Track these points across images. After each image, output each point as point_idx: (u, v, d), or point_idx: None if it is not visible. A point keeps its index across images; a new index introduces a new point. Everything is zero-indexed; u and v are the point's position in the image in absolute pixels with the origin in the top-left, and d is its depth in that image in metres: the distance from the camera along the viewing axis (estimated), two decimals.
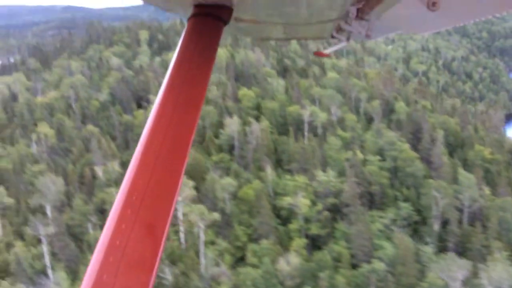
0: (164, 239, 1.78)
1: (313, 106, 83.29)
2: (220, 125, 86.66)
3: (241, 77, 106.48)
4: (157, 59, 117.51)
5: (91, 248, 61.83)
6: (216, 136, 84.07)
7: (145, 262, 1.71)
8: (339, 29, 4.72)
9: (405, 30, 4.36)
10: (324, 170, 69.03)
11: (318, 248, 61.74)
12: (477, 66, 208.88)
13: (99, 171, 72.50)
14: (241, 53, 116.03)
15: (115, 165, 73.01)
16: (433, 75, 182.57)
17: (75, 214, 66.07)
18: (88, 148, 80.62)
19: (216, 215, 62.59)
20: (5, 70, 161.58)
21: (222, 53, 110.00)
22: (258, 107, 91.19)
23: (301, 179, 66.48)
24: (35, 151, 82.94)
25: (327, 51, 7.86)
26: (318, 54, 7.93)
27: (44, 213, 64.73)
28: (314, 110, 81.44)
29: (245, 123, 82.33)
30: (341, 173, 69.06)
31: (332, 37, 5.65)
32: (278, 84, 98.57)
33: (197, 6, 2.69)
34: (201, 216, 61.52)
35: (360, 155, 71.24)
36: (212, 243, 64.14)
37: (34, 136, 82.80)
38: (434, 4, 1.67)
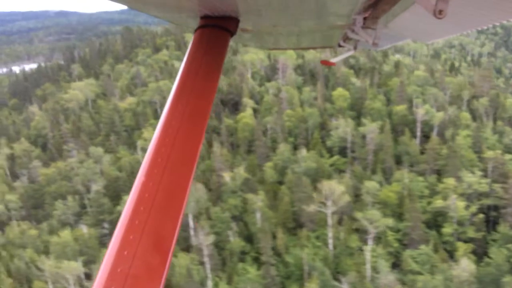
0: (172, 249, 1.78)
1: (426, 105, 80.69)
2: (323, 126, 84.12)
3: (316, 77, 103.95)
4: None
5: (233, 256, 59.08)
6: (322, 138, 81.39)
7: (153, 272, 1.71)
8: (346, 38, 4.58)
9: (412, 38, 4.19)
10: (457, 171, 66.66)
11: (483, 253, 59.40)
12: (505, 61, 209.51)
13: (226, 177, 69.33)
14: (310, 53, 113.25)
15: (241, 170, 69.93)
16: (464, 70, 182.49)
17: (215, 222, 62.85)
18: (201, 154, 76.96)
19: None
20: (44, 76, 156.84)
21: (290, 53, 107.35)
22: (355, 108, 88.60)
23: (449, 181, 63.95)
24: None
25: (334, 60, 7.66)
26: (324, 63, 8.21)
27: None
28: (428, 110, 78.99)
29: (359, 124, 79.78)
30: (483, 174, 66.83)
31: (339, 46, 5.57)
32: (364, 83, 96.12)
33: (204, 18, 2.76)
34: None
35: (494, 154, 68.98)
36: (361, 249, 61.47)
37: (140, 143, 78.75)
38: (440, 12, 1.65)
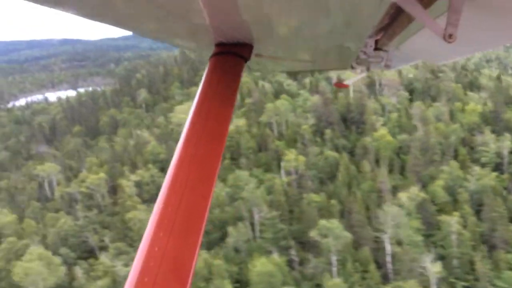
0: (191, 275, 1.80)
1: None
2: (466, 142, 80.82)
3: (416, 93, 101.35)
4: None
5: None
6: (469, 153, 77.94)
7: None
8: (359, 60, 4.61)
9: (423, 59, 4.45)
10: None
11: None
12: None
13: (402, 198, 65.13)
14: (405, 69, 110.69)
15: (415, 190, 65.86)
16: None
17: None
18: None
19: None
20: (102, 101, 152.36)
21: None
22: (489, 121, 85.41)
23: None
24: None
25: (347, 82, 7.93)
26: (338, 85, 7.54)
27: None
28: None
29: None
30: None
31: (352, 68, 5.45)
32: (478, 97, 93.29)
33: (218, 45, 2.79)
34: None
35: None
36: None
37: (285, 164, 74.30)
38: (450, 36, 1.67)
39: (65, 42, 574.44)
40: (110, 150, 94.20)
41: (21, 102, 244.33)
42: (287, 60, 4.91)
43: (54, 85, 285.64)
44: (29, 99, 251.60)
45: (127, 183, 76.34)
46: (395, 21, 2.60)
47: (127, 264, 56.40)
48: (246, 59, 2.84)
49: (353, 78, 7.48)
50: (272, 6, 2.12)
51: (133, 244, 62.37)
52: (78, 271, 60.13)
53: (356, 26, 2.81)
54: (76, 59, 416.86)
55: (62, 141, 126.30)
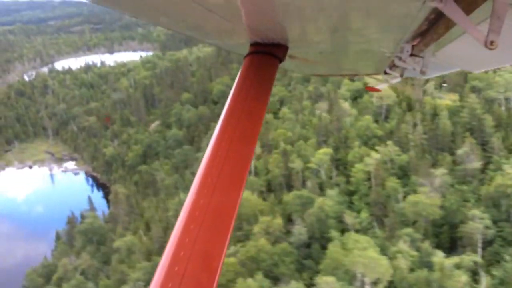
0: (220, 268, 1.83)
1: None
2: None
3: None
4: None
5: None
6: None
7: None
8: (393, 66, 4.58)
9: (461, 67, 4.20)
10: None
11: None
12: None
13: None
14: None
15: None
16: None
17: None
18: None
19: None
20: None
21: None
22: None
23: None
24: None
25: (379, 87, 7.50)
26: (370, 89, 7.65)
27: None
28: None
29: None
30: None
31: (385, 73, 5.43)
32: None
33: (254, 45, 2.85)
34: None
35: None
36: None
37: None
38: (492, 43, 1.64)
39: (64, 3, 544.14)
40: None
41: (63, 64, 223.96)
42: (320, 63, 4.73)
43: (89, 48, 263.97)
44: (68, 61, 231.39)
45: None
46: (433, 26, 2.49)
47: None
48: (280, 59, 2.87)
49: (386, 82, 6.79)
50: (308, 8, 2.13)
51: None
52: None
53: (393, 30, 2.76)
54: (91, 21, 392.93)
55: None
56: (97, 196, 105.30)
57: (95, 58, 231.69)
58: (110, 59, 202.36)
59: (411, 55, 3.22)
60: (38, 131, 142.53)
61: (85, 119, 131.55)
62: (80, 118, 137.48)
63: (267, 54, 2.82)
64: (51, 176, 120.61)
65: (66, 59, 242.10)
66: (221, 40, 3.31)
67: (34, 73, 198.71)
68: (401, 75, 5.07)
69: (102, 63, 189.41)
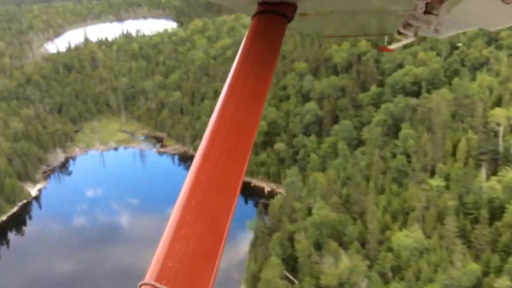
0: (226, 231, 1.83)
1: None
2: None
3: None
4: None
5: None
6: None
7: (208, 252, 1.77)
8: (407, 25, 4.28)
9: (476, 25, 4.14)
10: None
11: None
12: None
13: None
14: None
15: None
16: None
17: None
18: None
19: None
20: None
21: None
22: None
23: None
24: None
25: (392, 47, 6.20)
26: (382, 49, 6.62)
27: None
28: None
29: None
30: None
31: (399, 33, 4.98)
32: None
33: (262, 4, 2.81)
34: None
35: None
36: None
37: None
38: None
39: None
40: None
41: (72, 34, 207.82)
42: (331, 23, 4.69)
43: (96, 16, 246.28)
44: (78, 31, 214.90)
45: None
46: None
47: None
48: (289, 18, 2.80)
49: (399, 42, 5.28)
50: None
51: None
52: None
53: None
54: None
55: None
56: None
57: (105, 27, 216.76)
58: (121, 28, 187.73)
59: (425, 12, 3.05)
60: (101, 108, 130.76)
61: (168, 94, 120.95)
62: (150, 92, 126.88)
63: (275, 13, 2.72)
64: (142, 156, 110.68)
65: (76, 29, 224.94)
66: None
67: (54, 45, 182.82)
68: (415, 34, 4.42)
69: (137, 31, 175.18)
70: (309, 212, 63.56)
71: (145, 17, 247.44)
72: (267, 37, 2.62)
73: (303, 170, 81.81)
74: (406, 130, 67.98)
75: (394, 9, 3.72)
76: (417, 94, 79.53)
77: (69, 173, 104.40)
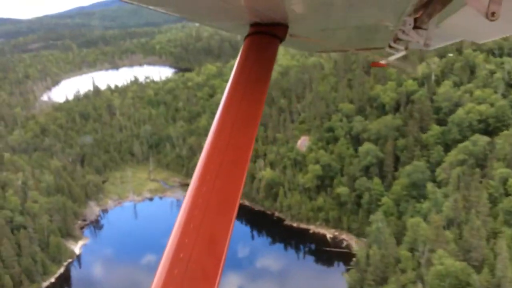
0: (225, 253, 1.84)
1: None
2: None
3: None
4: None
5: None
6: None
7: (208, 275, 1.78)
8: (397, 39, 4.57)
9: (464, 38, 4.21)
10: None
11: None
12: None
13: None
14: None
15: None
16: None
17: None
18: None
19: None
20: None
21: None
22: None
23: None
24: None
25: (384, 62, 7.17)
26: (375, 64, 7.21)
27: None
28: None
29: None
30: None
31: (390, 47, 5.44)
32: None
33: (254, 25, 2.85)
34: None
35: None
36: None
37: None
38: (493, 14, 1.65)
39: None
40: None
41: (69, 82, 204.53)
42: (322, 40, 4.74)
43: (91, 65, 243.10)
44: (77, 79, 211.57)
45: None
46: None
47: None
48: (281, 39, 2.85)
49: (390, 57, 6.42)
50: None
51: None
52: None
53: (395, 3, 2.74)
54: (51, 37, 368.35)
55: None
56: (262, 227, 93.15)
57: (101, 75, 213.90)
58: (124, 75, 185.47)
59: (415, 27, 3.14)
60: (124, 157, 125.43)
61: (198, 140, 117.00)
62: (177, 139, 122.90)
63: (267, 34, 2.76)
64: (180, 205, 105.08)
65: (72, 77, 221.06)
66: (221, 22, 3.24)
67: (56, 93, 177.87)
68: (406, 48, 4.84)
69: (146, 78, 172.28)
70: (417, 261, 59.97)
71: (140, 64, 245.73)
72: (259, 58, 2.62)
73: (369, 214, 78.91)
74: (501, 169, 66.02)
75: (384, 25, 3.69)
76: (485, 132, 78.47)
77: (108, 227, 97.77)
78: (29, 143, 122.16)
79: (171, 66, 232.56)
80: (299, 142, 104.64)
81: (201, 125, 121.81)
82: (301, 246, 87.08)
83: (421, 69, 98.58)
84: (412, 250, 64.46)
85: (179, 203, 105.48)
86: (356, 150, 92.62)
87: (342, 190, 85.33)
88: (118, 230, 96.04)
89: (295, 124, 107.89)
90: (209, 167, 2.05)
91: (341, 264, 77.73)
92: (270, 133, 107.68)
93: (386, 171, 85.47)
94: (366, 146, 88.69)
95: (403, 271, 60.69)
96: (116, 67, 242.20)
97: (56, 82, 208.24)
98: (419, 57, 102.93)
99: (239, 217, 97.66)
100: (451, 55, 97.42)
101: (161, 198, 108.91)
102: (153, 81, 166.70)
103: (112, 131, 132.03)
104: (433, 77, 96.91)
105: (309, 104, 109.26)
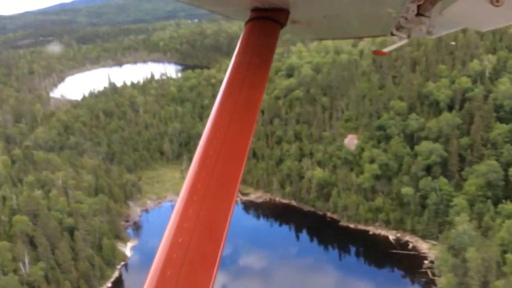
0: (224, 239, 1.84)
1: None
2: None
3: None
4: None
5: None
6: None
7: (207, 260, 1.78)
8: (399, 27, 4.53)
9: (467, 26, 4.23)
10: None
11: None
12: None
13: None
14: None
15: None
16: None
17: None
18: None
19: None
20: None
21: None
22: None
23: None
24: None
25: (387, 50, 7.13)
26: (377, 53, 6.84)
27: None
28: None
29: None
30: None
31: (392, 34, 5.32)
32: None
33: (255, 10, 2.82)
34: None
35: None
36: None
37: None
38: (498, 0, 1.62)
39: None
40: None
41: (75, 79, 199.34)
42: (324, 26, 4.73)
43: (94, 61, 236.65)
44: (83, 75, 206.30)
45: None
46: None
47: None
48: (282, 24, 2.82)
49: (393, 45, 6.21)
50: None
51: None
52: None
53: None
54: (41, 34, 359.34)
55: None
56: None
57: (105, 71, 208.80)
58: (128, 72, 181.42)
59: (417, 14, 3.10)
60: (154, 155, 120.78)
61: None
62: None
63: (268, 19, 2.74)
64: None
65: (76, 74, 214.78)
66: (221, 6, 3.23)
67: (56, 90, 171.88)
68: (408, 36, 4.72)
69: (162, 74, 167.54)
70: None
71: (144, 61, 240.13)
72: (260, 44, 2.58)
73: (439, 215, 76.69)
74: None
75: (387, 12, 3.64)
76: None
77: (151, 228, 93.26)
78: (55, 141, 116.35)
79: (176, 63, 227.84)
80: (346, 140, 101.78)
81: None
82: (361, 248, 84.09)
83: (472, 66, 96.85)
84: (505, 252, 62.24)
85: None
86: (411, 149, 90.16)
87: (407, 190, 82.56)
88: (163, 231, 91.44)
89: (339, 122, 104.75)
90: (209, 152, 2.02)
91: (410, 267, 74.94)
92: (315, 131, 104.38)
93: (452, 170, 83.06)
94: (426, 144, 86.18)
95: (504, 274, 58.34)
96: (119, 63, 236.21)
97: (61, 79, 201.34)
98: (469, 54, 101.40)
99: (290, 218, 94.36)
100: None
101: None
102: (171, 78, 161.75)
103: (138, 129, 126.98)
104: (487, 74, 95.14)
105: (353, 102, 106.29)
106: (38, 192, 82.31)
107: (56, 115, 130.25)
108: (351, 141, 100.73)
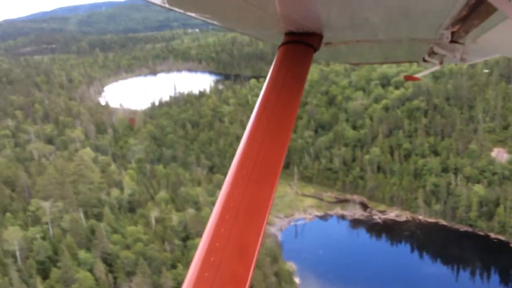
0: (255, 257, 1.85)
1: None
2: None
3: None
4: None
5: None
6: None
7: (238, 279, 1.78)
8: (432, 53, 4.51)
9: (502, 53, 4.17)
10: None
11: None
12: None
13: None
14: None
15: None
16: None
17: None
18: None
19: None
20: None
21: None
22: None
23: None
24: None
25: (419, 75, 7.35)
26: (408, 78, 7.28)
27: None
28: None
29: None
30: None
31: (424, 60, 5.39)
32: None
33: (288, 34, 2.85)
34: None
35: None
36: None
37: None
38: None
39: None
40: None
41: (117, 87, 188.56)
42: (356, 51, 4.68)
43: (126, 70, 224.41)
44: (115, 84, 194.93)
45: None
46: (474, 12, 2.39)
47: None
48: (315, 48, 2.82)
49: (425, 71, 6.08)
50: None
51: None
52: None
53: (433, 16, 2.70)
54: (44, 41, 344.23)
55: None
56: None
57: (141, 80, 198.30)
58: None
59: (451, 41, 3.07)
60: None
61: (345, 151, 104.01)
62: (323, 150, 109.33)
63: (302, 43, 2.76)
64: (364, 225, 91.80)
65: (112, 83, 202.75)
66: (256, 30, 3.27)
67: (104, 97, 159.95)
68: (441, 62, 4.63)
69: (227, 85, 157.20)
70: None
71: (178, 70, 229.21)
72: (293, 68, 2.58)
73: None
74: None
75: (420, 38, 3.68)
76: None
77: (296, 247, 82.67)
78: (148, 152, 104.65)
79: (212, 72, 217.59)
80: (493, 153, 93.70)
81: (350, 136, 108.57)
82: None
83: None
84: None
85: (367, 221, 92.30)
86: None
87: None
88: (315, 250, 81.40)
89: (478, 134, 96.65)
90: (241, 172, 2.03)
91: None
92: (454, 144, 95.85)
93: None
94: None
95: None
96: (154, 72, 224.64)
97: (103, 87, 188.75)
98: None
99: (445, 240, 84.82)
100: None
101: (324, 220, 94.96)
102: (238, 88, 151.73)
103: (230, 139, 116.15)
104: None
105: (490, 113, 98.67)
106: (191, 210, 70.87)
107: (147, 127, 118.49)
108: (499, 155, 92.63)
